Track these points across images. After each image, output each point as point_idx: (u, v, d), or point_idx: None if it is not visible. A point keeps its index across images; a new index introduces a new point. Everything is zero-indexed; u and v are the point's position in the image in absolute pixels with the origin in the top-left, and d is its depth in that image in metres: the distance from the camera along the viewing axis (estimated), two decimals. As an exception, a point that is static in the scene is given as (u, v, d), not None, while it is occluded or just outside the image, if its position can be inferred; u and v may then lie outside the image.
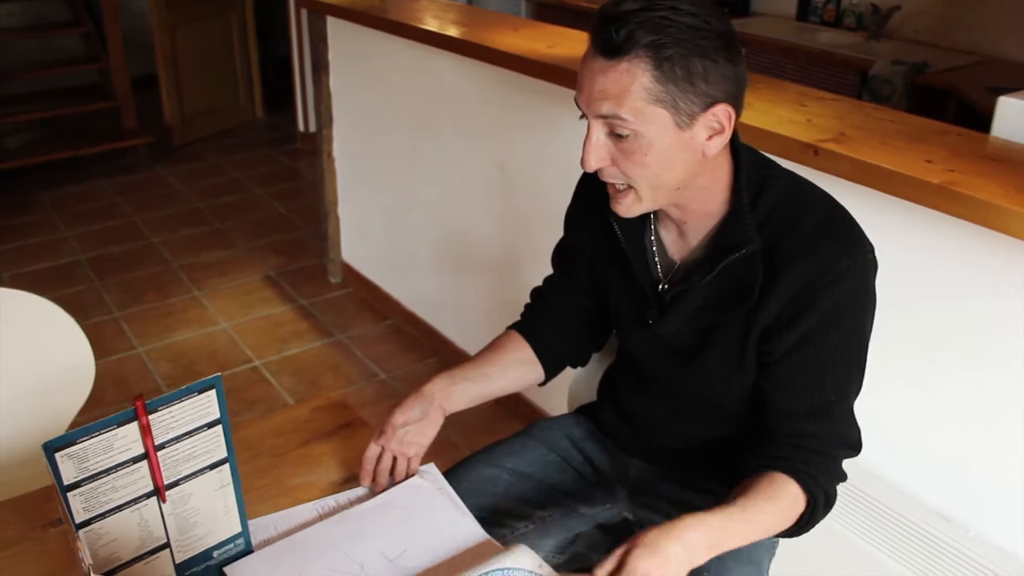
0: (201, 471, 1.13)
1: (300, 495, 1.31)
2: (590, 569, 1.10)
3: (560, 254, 1.56)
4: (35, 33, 5.78)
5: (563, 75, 2.23)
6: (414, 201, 3.26)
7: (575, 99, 1.18)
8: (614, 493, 1.54)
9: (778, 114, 1.86)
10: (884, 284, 1.69)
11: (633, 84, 1.10)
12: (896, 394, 1.77)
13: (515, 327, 1.56)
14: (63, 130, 5.42)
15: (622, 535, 1.55)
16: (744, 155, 1.25)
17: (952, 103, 3.34)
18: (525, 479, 1.51)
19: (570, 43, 2.49)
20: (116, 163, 5.25)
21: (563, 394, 1.80)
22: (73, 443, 1.03)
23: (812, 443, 1.26)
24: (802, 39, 4.04)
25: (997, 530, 1.66)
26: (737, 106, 1.16)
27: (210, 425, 1.12)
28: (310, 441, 1.43)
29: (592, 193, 1.39)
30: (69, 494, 1.03)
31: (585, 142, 1.18)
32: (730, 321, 1.27)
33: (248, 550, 1.20)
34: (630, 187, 1.20)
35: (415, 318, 3.41)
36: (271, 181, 5.13)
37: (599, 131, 1.16)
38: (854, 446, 1.31)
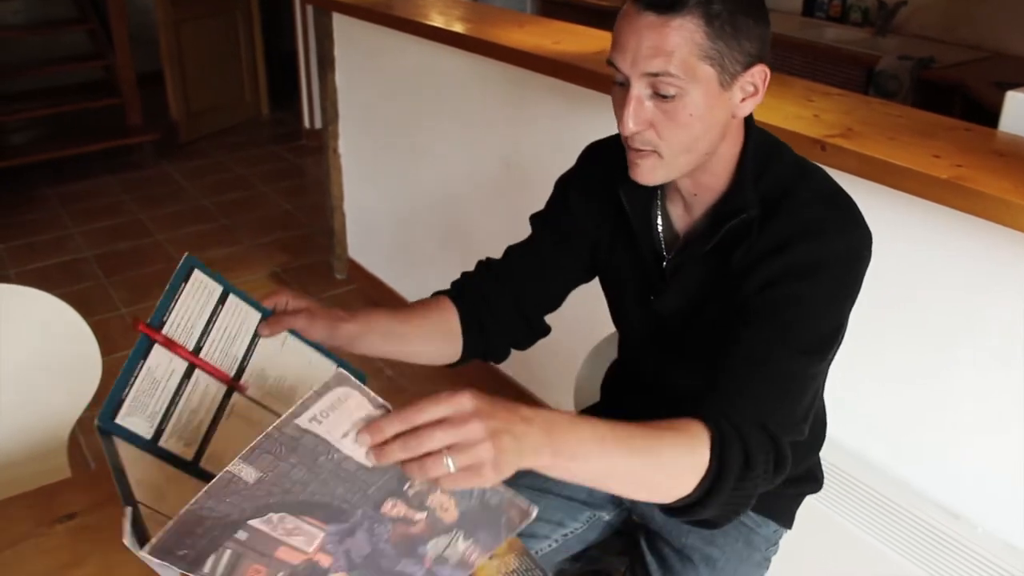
0: (252, 342, 1.07)
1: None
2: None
3: (546, 221, 1.48)
4: (41, 30, 5.80)
5: (569, 71, 2.22)
6: (420, 197, 3.26)
7: (610, 60, 1.14)
8: (604, 500, 1.55)
9: (785, 109, 1.86)
10: (892, 279, 1.69)
11: (687, 40, 1.08)
12: (903, 390, 1.77)
13: (448, 295, 1.46)
14: (69, 127, 5.43)
15: (630, 534, 1.55)
16: (754, 129, 1.23)
17: (959, 98, 3.33)
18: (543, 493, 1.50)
19: (576, 39, 2.49)
20: (122, 160, 5.25)
21: (569, 393, 1.80)
22: (120, 402, 0.97)
23: (729, 401, 1.10)
24: (808, 35, 4.03)
25: (1006, 526, 1.66)
26: (768, 65, 1.16)
27: (222, 300, 1.06)
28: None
29: (602, 167, 1.36)
30: (162, 443, 0.98)
31: (624, 105, 1.13)
32: (726, 299, 1.20)
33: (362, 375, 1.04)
34: (655, 151, 1.15)
35: (421, 314, 3.41)
36: (277, 178, 5.13)
37: (643, 91, 1.12)
38: (792, 429, 1.12)
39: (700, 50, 1.09)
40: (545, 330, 1.49)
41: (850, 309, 1.18)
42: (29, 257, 4.08)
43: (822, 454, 1.47)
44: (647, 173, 1.18)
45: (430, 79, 3.01)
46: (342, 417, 0.82)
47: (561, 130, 2.46)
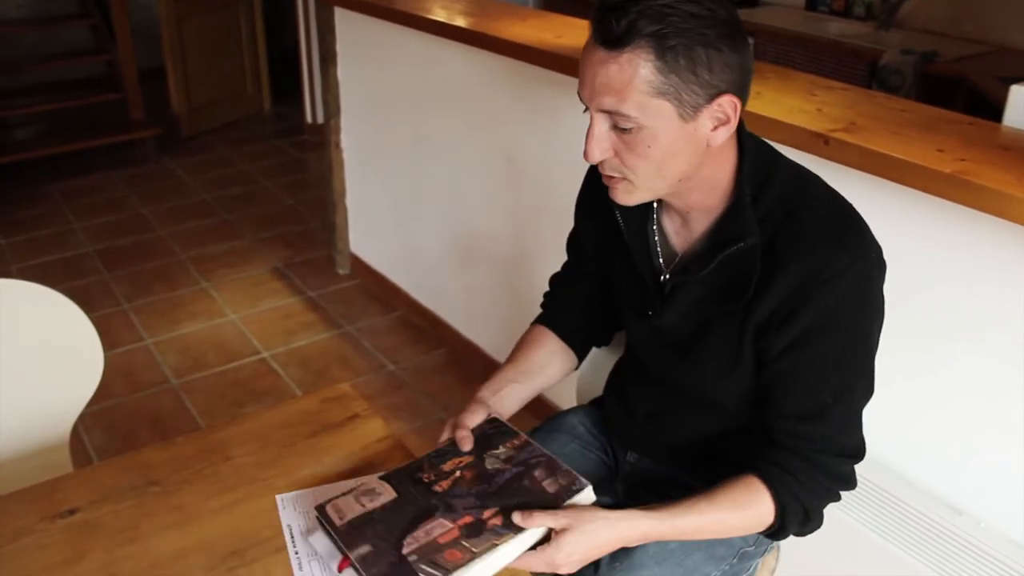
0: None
1: (308, 486, 1.31)
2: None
3: (571, 242, 1.56)
4: (43, 25, 5.78)
5: (572, 65, 2.22)
6: (422, 192, 3.26)
7: (578, 91, 1.16)
8: (613, 487, 1.55)
9: (788, 103, 1.85)
10: (896, 275, 1.68)
11: (635, 76, 1.07)
12: (906, 385, 1.76)
13: (539, 320, 1.56)
14: (71, 122, 5.42)
15: None
16: (749, 146, 1.22)
17: (962, 92, 3.32)
18: None
19: (578, 33, 2.48)
20: (124, 155, 5.25)
21: (571, 388, 1.80)
22: None
23: (801, 445, 1.23)
24: (811, 29, 4.01)
25: (1009, 522, 1.66)
26: (743, 96, 1.14)
27: None
28: (319, 432, 1.43)
29: (600, 181, 1.37)
30: None
31: (588, 134, 1.16)
32: (728, 316, 1.24)
33: None
34: (624, 178, 1.18)
35: (423, 309, 3.41)
36: (279, 172, 5.13)
37: (602, 124, 1.14)
38: (852, 455, 1.26)
39: (651, 86, 1.08)
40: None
41: (879, 324, 1.22)
42: (31, 252, 4.08)
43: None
44: (623, 196, 1.21)
45: (432, 73, 3.01)
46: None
47: (563, 125, 2.45)
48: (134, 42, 5.21)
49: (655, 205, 1.31)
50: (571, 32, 2.49)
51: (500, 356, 2.95)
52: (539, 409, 2.72)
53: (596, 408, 1.63)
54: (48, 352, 1.67)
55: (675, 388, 1.40)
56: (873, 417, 1.82)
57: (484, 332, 3.06)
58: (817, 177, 1.25)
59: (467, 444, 1.30)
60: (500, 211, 2.85)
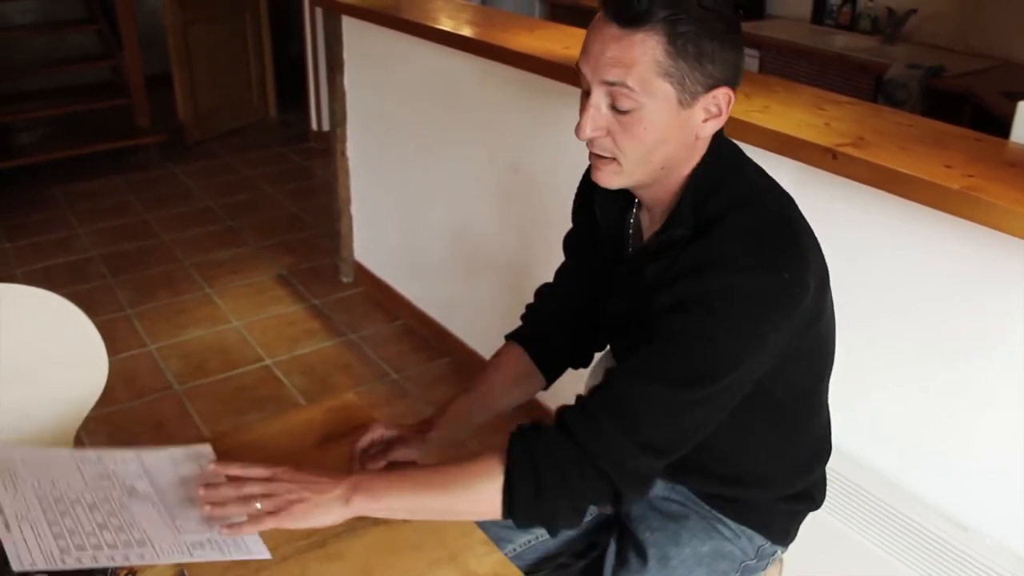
0: None
1: (313, 496, 1.30)
2: None
3: (567, 242, 1.56)
4: (50, 30, 5.80)
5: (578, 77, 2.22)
6: (427, 201, 3.26)
7: (576, 65, 1.18)
8: None
9: (796, 117, 1.85)
10: (902, 289, 1.68)
11: (645, 55, 1.10)
12: (912, 400, 1.76)
13: (514, 337, 1.55)
14: (76, 127, 5.43)
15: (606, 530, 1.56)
16: (716, 149, 1.22)
17: (968, 107, 3.33)
18: None
19: (585, 44, 2.48)
20: (129, 160, 5.26)
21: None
22: None
23: (587, 402, 1.17)
24: (817, 42, 4.02)
25: (1015, 537, 1.65)
26: (735, 89, 1.17)
27: None
28: (324, 442, 1.42)
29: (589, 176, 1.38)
30: None
31: (582, 110, 1.17)
32: (644, 308, 1.22)
33: None
34: (614, 159, 1.19)
35: (427, 318, 3.41)
36: (283, 180, 5.14)
37: (601, 99, 1.16)
38: (641, 444, 1.14)
39: (659, 67, 1.10)
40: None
41: (751, 351, 1.14)
42: (35, 256, 4.08)
43: (829, 465, 1.46)
44: (606, 177, 1.22)
45: (439, 83, 3.01)
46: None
47: (570, 136, 2.45)
48: (140, 48, 5.23)
49: (636, 200, 1.32)
50: (578, 44, 2.47)
51: (503, 366, 2.94)
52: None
53: None
54: (52, 357, 1.67)
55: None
56: (877, 431, 1.82)
57: (488, 342, 3.05)
58: (779, 197, 1.23)
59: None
60: (506, 221, 2.85)
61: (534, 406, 2.82)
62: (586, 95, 1.18)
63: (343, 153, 3.66)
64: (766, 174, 1.28)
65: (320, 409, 1.51)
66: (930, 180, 1.53)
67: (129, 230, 4.41)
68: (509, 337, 1.56)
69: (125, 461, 1.22)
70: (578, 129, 1.19)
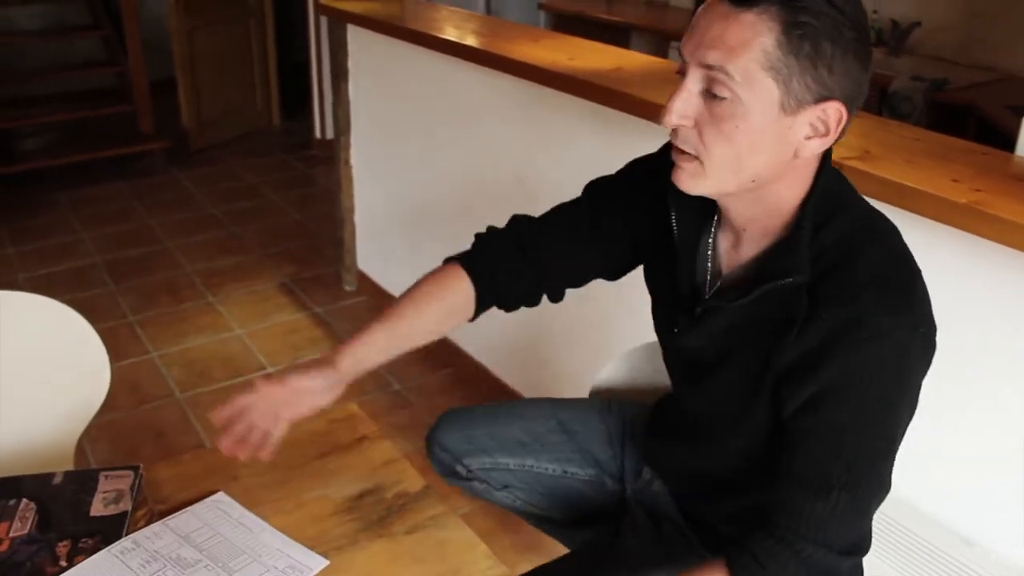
0: None
1: (316, 509, 1.30)
2: None
3: (599, 190, 1.43)
4: (55, 35, 5.81)
5: (585, 88, 2.22)
6: (431, 210, 3.26)
7: (679, 48, 1.06)
8: (622, 485, 1.57)
9: (801, 130, 1.85)
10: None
11: (754, 40, 0.98)
12: (919, 417, 1.75)
13: (463, 262, 1.44)
14: (81, 133, 5.44)
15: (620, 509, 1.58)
16: (827, 176, 1.11)
17: (972, 120, 3.32)
18: (563, 432, 1.60)
19: (591, 55, 2.48)
20: (133, 166, 5.26)
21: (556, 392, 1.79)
22: None
23: (791, 526, 1.08)
24: (822, 54, 4.01)
25: (1021, 553, 1.64)
26: (851, 111, 1.04)
27: None
28: (328, 454, 1.42)
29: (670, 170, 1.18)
30: None
31: (674, 93, 1.05)
32: (753, 353, 1.14)
33: None
34: (697, 157, 1.07)
35: (429, 327, 3.39)
36: (287, 187, 5.14)
37: (695, 83, 1.03)
38: (848, 550, 1.09)
39: (766, 58, 0.98)
40: (558, 297, 1.46)
41: (909, 412, 1.10)
42: (39, 262, 4.08)
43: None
44: (687, 179, 1.09)
45: (444, 92, 3.01)
46: None
47: (575, 147, 2.45)
48: (145, 54, 5.23)
49: (715, 218, 1.21)
50: (584, 54, 2.49)
51: (506, 377, 2.94)
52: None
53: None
54: (54, 365, 1.67)
55: (688, 412, 1.37)
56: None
57: (490, 352, 3.05)
58: (893, 231, 1.14)
59: (224, 437, 1.21)
60: (509, 231, 2.84)
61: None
62: (681, 77, 1.06)
63: (347, 161, 3.66)
64: (870, 205, 1.17)
65: (323, 420, 1.50)
66: (937, 194, 1.53)
67: (132, 236, 4.41)
68: (456, 260, 1.45)
69: (157, 535, 1.21)
70: (663, 113, 1.06)
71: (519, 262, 1.40)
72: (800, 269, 1.07)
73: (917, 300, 1.07)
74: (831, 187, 1.12)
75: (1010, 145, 1.79)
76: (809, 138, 1.04)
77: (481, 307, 1.40)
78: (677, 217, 1.22)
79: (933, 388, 1.71)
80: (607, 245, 1.38)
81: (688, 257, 1.23)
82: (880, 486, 1.10)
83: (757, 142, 1.03)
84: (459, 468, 1.65)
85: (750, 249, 1.17)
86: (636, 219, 1.34)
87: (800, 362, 1.07)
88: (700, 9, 1.05)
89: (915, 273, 1.10)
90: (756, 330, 1.13)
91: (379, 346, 1.32)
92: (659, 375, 1.72)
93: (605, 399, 1.70)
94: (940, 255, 1.65)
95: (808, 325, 1.06)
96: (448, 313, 1.39)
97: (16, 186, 4.83)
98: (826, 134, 1.04)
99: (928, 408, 1.73)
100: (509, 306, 1.43)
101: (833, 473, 1.06)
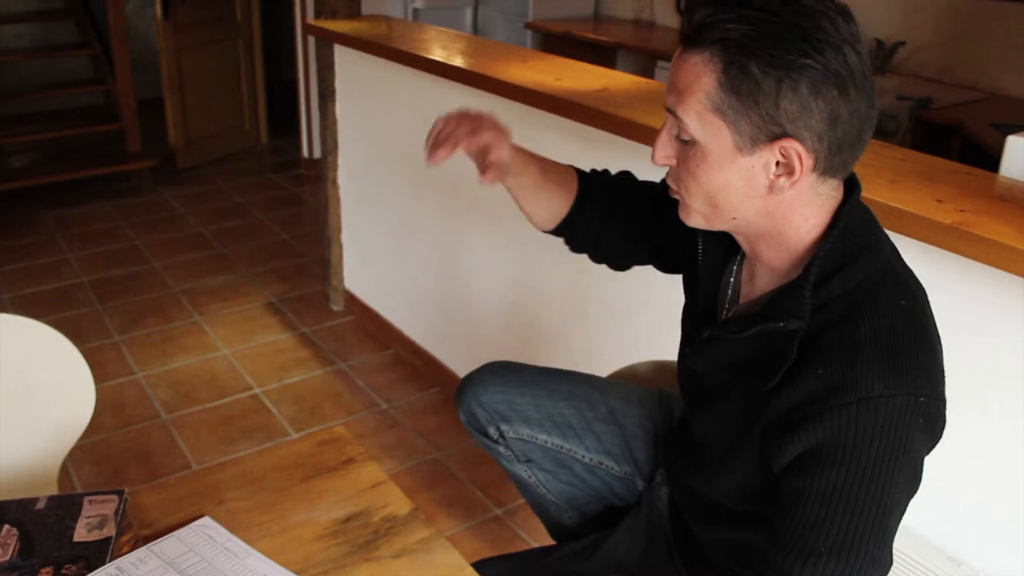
0: None
1: (302, 532, 1.29)
2: None
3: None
4: (43, 54, 5.81)
5: (571, 108, 2.22)
6: (418, 230, 3.26)
7: None
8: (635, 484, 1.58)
9: (787, 151, 1.85)
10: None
11: (697, 82, 0.99)
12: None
13: (580, 176, 1.54)
14: (68, 151, 5.44)
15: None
16: (846, 220, 1.06)
17: (957, 138, 3.35)
18: (612, 423, 1.59)
19: (578, 76, 2.49)
20: (119, 185, 5.25)
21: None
22: None
23: None
24: (807, 73, 4.04)
25: (1009, 572, 1.64)
26: (827, 152, 0.99)
27: None
28: (313, 476, 1.41)
29: None
30: None
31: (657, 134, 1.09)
32: (746, 393, 1.12)
33: None
34: (679, 192, 1.10)
35: (417, 348, 3.39)
36: (274, 207, 5.13)
37: (670, 126, 1.06)
38: None
39: (709, 99, 0.98)
40: (620, 266, 1.55)
41: (906, 485, 1.03)
42: (24, 282, 4.06)
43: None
44: (681, 213, 1.13)
45: (431, 112, 3.00)
46: None
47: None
48: (133, 73, 5.23)
49: (742, 250, 1.21)
50: (571, 75, 2.50)
51: (494, 396, 2.93)
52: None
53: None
54: (37, 387, 1.66)
55: (691, 435, 1.37)
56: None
57: (478, 371, 3.04)
58: (914, 290, 1.08)
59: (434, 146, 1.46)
60: (497, 251, 2.85)
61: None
62: None
63: (334, 181, 3.66)
64: (901, 257, 1.12)
65: (310, 442, 1.49)
66: (922, 215, 1.53)
67: (119, 255, 4.39)
68: (573, 168, 1.55)
69: (142, 561, 1.20)
70: (652, 156, 1.10)
71: (607, 215, 1.48)
72: (797, 315, 1.04)
73: (923, 367, 1.02)
74: (854, 232, 1.07)
75: (994, 162, 1.80)
76: (779, 176, 1.02)
77: (569, 217, 1.51)
78: (704, 241, 1.24)
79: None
80: (661, 241, 1.42)
81: (711, 282, 1.24)
82: (875, 562, 1.04)
83: (722, 181, 1.03)
84: (492, 430, 1.63)
85: (763, 284, 1.16)
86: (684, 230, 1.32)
87: (788, 416, 1.04)
88: None
89: (928, 339, 1.05)
90: (748, 370, 1.11)
91: (528, 163, 1.51)
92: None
93: (656, 391, 1.65)
94: (925, 276, 1.65)
95: (801, 377, 1.03)
96: (558, 195, 1.52)
97: (1, 205, 4.81)
98: (791, 174, 1.01)
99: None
100: (578, 241, 1.55)
101: (822, 539, 1.02)
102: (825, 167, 1.02)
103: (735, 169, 1.02)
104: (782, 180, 1.01)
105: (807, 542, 1.03)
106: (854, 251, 1.05)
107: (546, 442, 1.60)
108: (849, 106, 0.98)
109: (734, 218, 1.07)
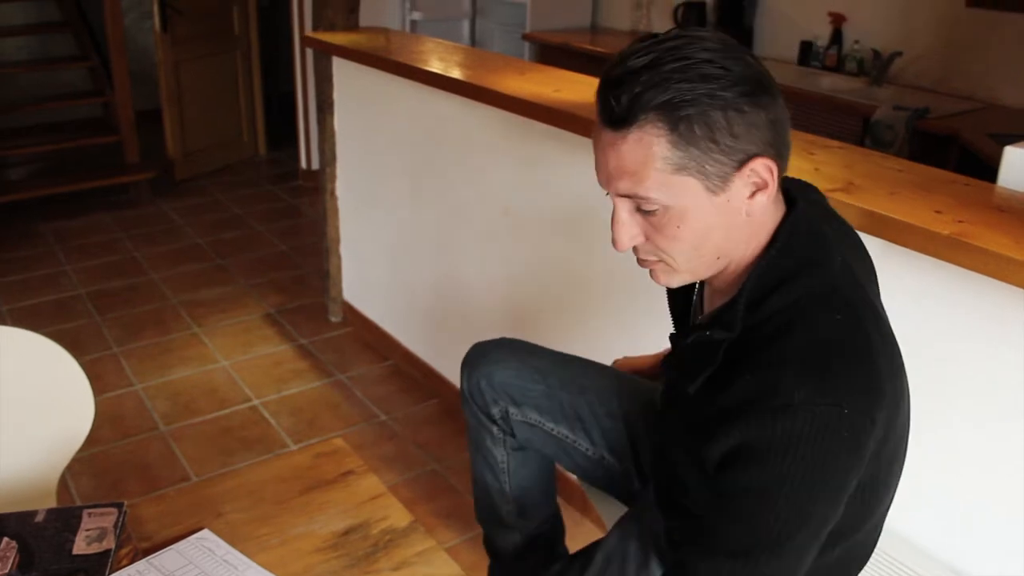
0: None
1: (301, 545, 1.29)
2: None
3: None
4: (42, 66, 5.82)
5: (569, 120, 2.23)
6: (416, 241, 3.26)
7: (596, 175, 1.07)
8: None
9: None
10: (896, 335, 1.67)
11: (649, 155, 0.98)
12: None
13: None
14: (66, 163, 5.44)
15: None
16: (784, 241, 1.08)
17: (954, 148, 3.35)
18: (622, 420, 1.62)
19: (576, 88, 2.50)
20: (118, 197, 5.25)
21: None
22: None
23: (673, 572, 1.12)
24: (804, 84, 4.06)
25: (1007, 585, 1.64)
26: (779, 156, 1.03)
27: None
28: (312, 489, 1.41)
29: None
30: None
31: (613, 220, 1.06)
32: (686, 401, 1.14)
33: None
34: (662, 260, 1.08)
35: (416, 359, 3.39)
36: (273, 218, 5.13)
37: (624, 208, 1.05)
38: None
39: (668, 163, 0.98)
40: None
41: (819, 503, 1.02)
42: (22, 294, 4.06)
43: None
44: (665, 278, 1.11)
45: (429, 124, 3.02)
46: None
47: (561, 180, 2.46)
48: (131, 85, 5.24)
49: None
50: (569, 87, 2.50)
51: (493, 407, 2.93)
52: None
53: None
54: (36, 400, 1.66)
55: (659, 436, 1.40)
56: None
57: (477, 382, 3.04)
58: (860, 305, 1.08)
59: None
60: (496, 263, 2.85)
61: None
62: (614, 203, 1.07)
63: (332, 192, 3.67)
64: (855, 274, 1.12)
65: (309, 454, 1.49)
66: (920, 225, 1.54)
67: (117, 267, 4.39)
68: None
69: (141, 574, 1.19)
70: (614, 242, 1.07)
71: None
72: (726, 327, 1.07)
73: (852, 381, 1.00)
74: (796, 249, 1.08)
75: (991, 172, 1.80)
76: (753, 195, 1.04)
77: None
78: None
79: (916, 417, 1.72)
80: None
81: (683, 300, 1.28)
82: (783, 572, 1.03)
83: (705, 228, 1.04)
84: (496, 410, 1.64)
85: (718, 299, 1.17)
86: None
87: (717, 419, 1.04)
88: (593, 136, 1.05)
89: (865, 355, 1.03)
90: (683, 377, 1.15)
91: None
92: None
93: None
94: (923, 286, 1.66)
95: (731, 384, 1.04)
96: None
97: (0, 217, 4.81)
98: (765, 186, 1.03)
99: (912, 435, 1.73)
100: None
101: (723, 536, 1.04)
102: (780, 173, 1.04)
103: (714, 211, 1.03)
104: (759, 196, 1.03)
105: (709, 538, 1.06)
106: (794, 269, 1.06)
107: (553, 429, 1.62)
108: (777, 107, 1.02)
109: (718, 258, 1.09)
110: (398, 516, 1.36)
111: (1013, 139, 1.82)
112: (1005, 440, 1.60)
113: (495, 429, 1.67)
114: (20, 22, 5.78)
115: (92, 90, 5.66)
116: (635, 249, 1.10)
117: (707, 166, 0.99)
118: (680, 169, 0.99)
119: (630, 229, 1.06)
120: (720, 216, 1.03)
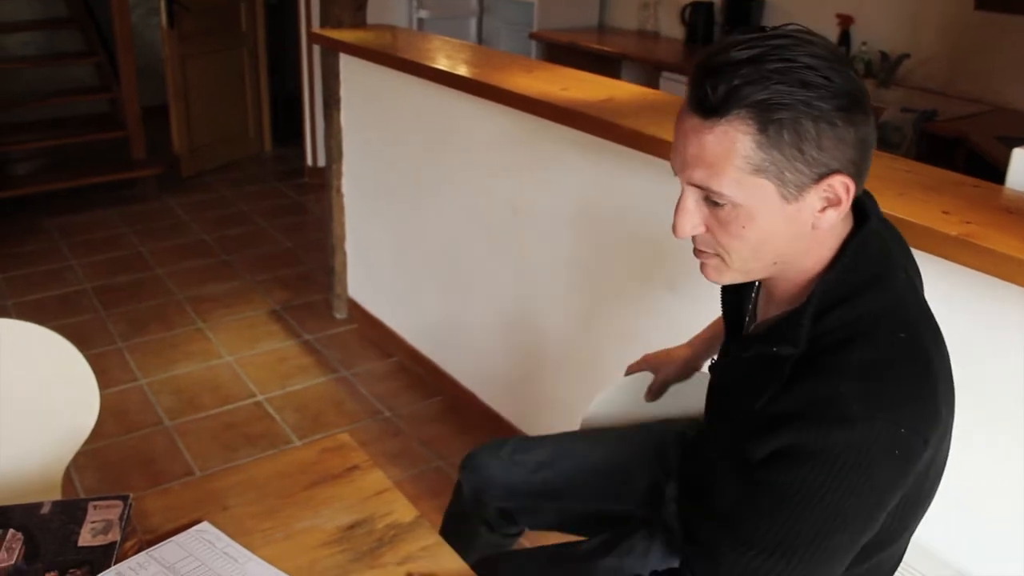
0: None
1: (306, 539, 1.29)
2: None
3: None
4: (49, 61, 5.83)
5: (577, 118, 2.23)
6: (422, 239, 3.26)
7: (670, 157, 1.05)
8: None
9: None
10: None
11: (732, 150, 0.96)
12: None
13: None
14: (72, 159, 5.44)
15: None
16: (852, 256, 1.06)
17: (961, 151, 3.35)
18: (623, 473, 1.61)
19: (584, 86, 2.50)
20: (124, 193, 5.26)
21: (547, 422, 1.78)
22: None
23: (699, 563, 1.10)
24: (812, 85, 4.04)
25: (1012, 588, 1.64)
26: (858, 175, 1.00)
27: None
28: (317, 483, 1.41)
29: None
30: None
31: (678, 206, 1.04)
32: (740, 413, 1.13)
33: None
34: (717, 255, 1.07)
35: (421, 356, 3.39)
36: (278, 214, 5.14)
37: (692, 196, 1.03)
38: None
39: (748, 163, 0.96)
40: None
41: (859, 515, 1.01)
42: (28, 288, 4.06)
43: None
44: (714, 273, 1.09)
45: (436, 121, 3.02)
46: None
47: (568, 178, 2.46)
48: (138, 81, 5.24)
49: None
50: (576, 85, 2.50)
51: (498, 406, 2.93)
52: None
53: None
54: (42, 393, 1.66)
55: (703, 444, 1.39)
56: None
57: (482, 381, 3.04)
58: (922, 326, 1.07)
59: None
60: (501, 260, 2.85)
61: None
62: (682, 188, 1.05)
63: (338, 189, 3.67)
64: (917, 289, 1.12)
65: (314, 449, 1.49)
66: (928, 226, 1.54)
67: (123, 262, 4.39)
68: None
69: (142, 566, 1.20)
70: (674, 228, 1.05)
71: None
72: (792, 342, 1.05)
73: (911, 402, 1.00)
74: (863, 265, 1.06)
75: (999, 175, 1.80)
76: (823, 210, 1.01)
77: None
78: None
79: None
80: None
81: (733, 300, 1.28)
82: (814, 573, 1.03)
83: (770, 233, 1.02)
84: (497, 522, 1.70)
85: (774, 308, 1.16)
86: None
87: (771, 422, 1.04)
88: (677, 119, 1.03)
89: (925, 377, 1.03)
90: (745, 388, 1.13)
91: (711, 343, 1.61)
92: (653, 406, 1.72)
93: (656, 431, 1.67)
94: (931, 287, 1.65)
95: (788, 393, 1.03)
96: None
97: (6, 212, 4.82)
98: (838, 203, 1.01)
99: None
100: None
101: (759, 531, 1.03)
102: (856, 193, 1.02)
103: (783, 218, 1.01)
104: (828, 213, 1.01)
105: (745, 530, 1.04)
106: (860, 284, 1.05)
107: (550, 508, 1.67)
108: (868, 127, 0.99)
109: (774, 263, 1.07)
110: (403, 511, 1.36)
111: (1021, 142, 1.82)
112: (1016, 442, 1.59)
113: (493, 539, 1.72)
114: (27, 17, 5.79)
115: (99, 86, 5.67)
116: (694, 239, 1.07)
117: (786, 173, 0.97)
118: (759, 171, 0.97)
119: (693, 218, 1.04)
120: (787, 224, 1.02)
